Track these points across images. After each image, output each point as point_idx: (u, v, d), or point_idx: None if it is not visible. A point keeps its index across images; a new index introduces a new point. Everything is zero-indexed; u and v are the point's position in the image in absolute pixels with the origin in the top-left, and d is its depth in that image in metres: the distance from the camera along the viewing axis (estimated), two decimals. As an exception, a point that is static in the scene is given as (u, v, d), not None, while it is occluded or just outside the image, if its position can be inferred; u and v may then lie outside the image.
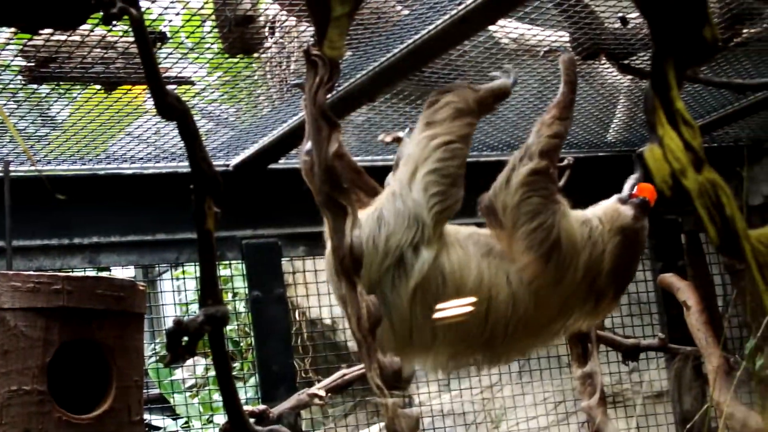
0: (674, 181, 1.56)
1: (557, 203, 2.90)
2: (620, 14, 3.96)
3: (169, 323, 2.28)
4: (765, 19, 4.15)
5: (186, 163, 2.34)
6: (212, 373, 6.73)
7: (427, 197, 2.79)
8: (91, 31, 3.67)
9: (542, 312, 2.86)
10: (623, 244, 2.96)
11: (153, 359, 7.60)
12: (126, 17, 2.07)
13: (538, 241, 2.82)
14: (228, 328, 6.99)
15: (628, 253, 3.00)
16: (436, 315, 2.80)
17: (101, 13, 2.09)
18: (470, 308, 2.83)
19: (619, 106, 5.26)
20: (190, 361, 7.07)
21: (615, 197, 3.14)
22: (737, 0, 3.91)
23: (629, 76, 4.69)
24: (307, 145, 3.01)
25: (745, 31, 4.23)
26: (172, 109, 2.22)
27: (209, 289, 2.32)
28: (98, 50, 3.76)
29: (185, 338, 2.25)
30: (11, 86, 4.06)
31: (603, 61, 4.45)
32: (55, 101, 4.31)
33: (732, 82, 4.65)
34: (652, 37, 1.56)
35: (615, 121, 5.39)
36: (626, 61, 4.30)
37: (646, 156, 1.56)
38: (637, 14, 3.85)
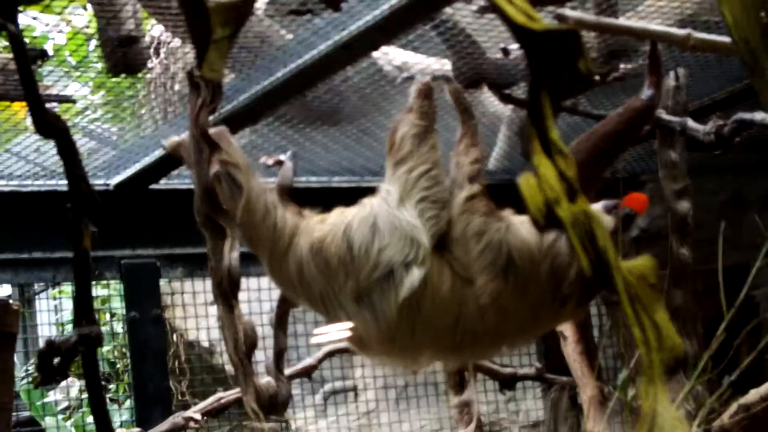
0: (548, 210, 1.58)
1: (500, 220, 2.89)
2: (502, 45, 4.02)
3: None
4: (641, 55, 4.25)
5: (66, 182, 2.31)
6: (87, 395, 6.62)
7: (423, 221, 2.80)
8: (-31, 45, 3.61)
9: (512, 321, 2.86)
10: None
11: (26, 380, 7.43)
12: (4, 33, 2.05)
13: (489, 261, 2.81)
14: (105, 349, 6.88)
15: None
16: (316, 339, 2.82)
17: (-22, 28, 2.06)
18: (348, 333, 2.85)
19: (500, 135, 5.32)
20: (64, 383, 6.93)
21: (602, 203, 3.08)
22: (614, 36, 4.00)
23: (510, 106, 4.76)
24: None
25: (622, 66, 4.33)
26: (51, 127, 2.20)
27: (84, 309, 2.30)
28: (-24, 65, 3.70)
29: (57, 359, 2.22)
30: None
31: (485, 90, 4.51)
32: (-70, 116, 4.21)
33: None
34: (528, 68, 1.58)
35: (496, 149, 5.45)
36: (507, 91, 4.37)
37: (522, 184, 1.58)
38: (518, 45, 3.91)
